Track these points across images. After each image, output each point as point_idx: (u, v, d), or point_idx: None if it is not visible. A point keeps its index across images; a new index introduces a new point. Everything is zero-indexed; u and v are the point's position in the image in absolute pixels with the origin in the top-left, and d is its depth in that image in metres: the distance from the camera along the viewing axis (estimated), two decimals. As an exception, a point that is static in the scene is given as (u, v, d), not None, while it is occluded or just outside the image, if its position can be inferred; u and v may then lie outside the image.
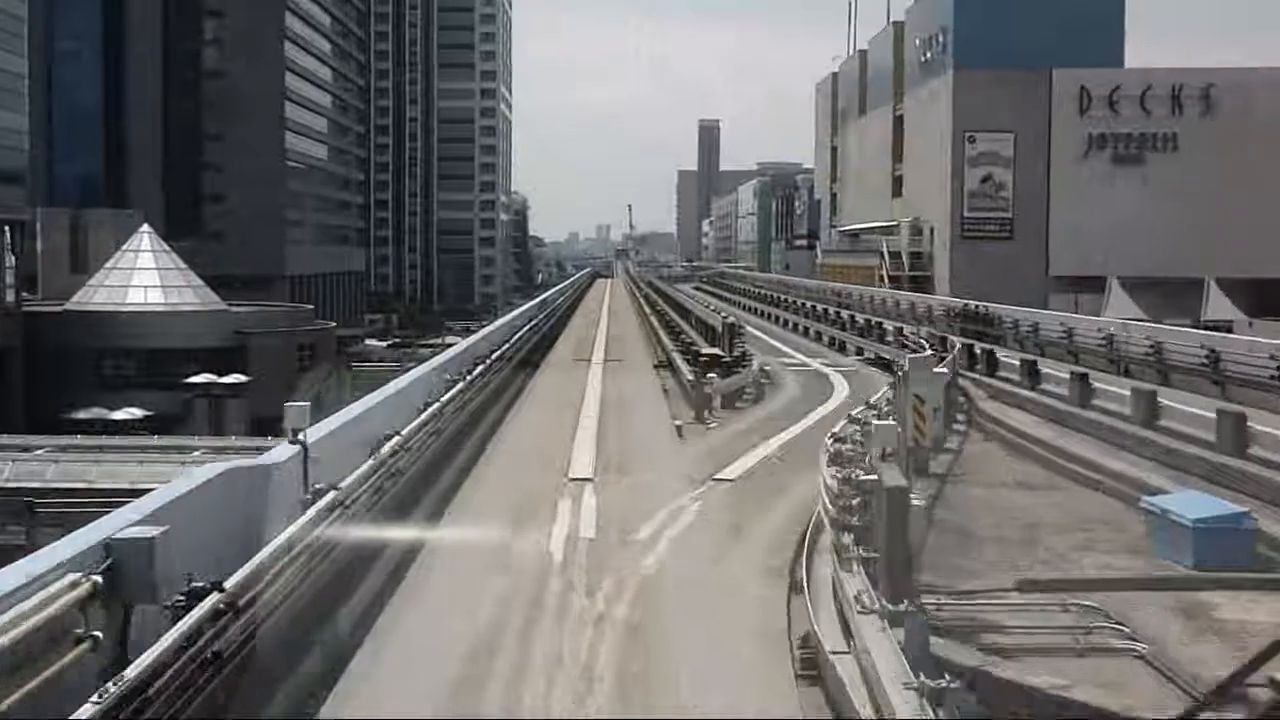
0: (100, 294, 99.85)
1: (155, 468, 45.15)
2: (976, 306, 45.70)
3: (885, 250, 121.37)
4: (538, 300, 49.05)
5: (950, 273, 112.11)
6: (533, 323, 39.47)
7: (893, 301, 56.57)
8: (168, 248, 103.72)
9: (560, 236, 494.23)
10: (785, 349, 43.77)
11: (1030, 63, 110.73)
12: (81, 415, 76.29)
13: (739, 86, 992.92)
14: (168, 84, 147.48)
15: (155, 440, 51.06)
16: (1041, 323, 39.89)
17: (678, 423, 26.47)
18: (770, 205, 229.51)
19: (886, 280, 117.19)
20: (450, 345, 50.61)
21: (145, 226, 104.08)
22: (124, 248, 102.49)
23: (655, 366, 36.49)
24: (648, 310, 54.94)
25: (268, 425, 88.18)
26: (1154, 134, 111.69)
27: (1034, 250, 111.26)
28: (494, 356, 28.49)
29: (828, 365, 38.38)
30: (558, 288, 71.37)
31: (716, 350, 33.35)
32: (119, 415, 76.10)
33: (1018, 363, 31.61)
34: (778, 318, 60.85)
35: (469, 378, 23.83)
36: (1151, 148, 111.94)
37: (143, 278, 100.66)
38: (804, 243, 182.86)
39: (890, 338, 40.00)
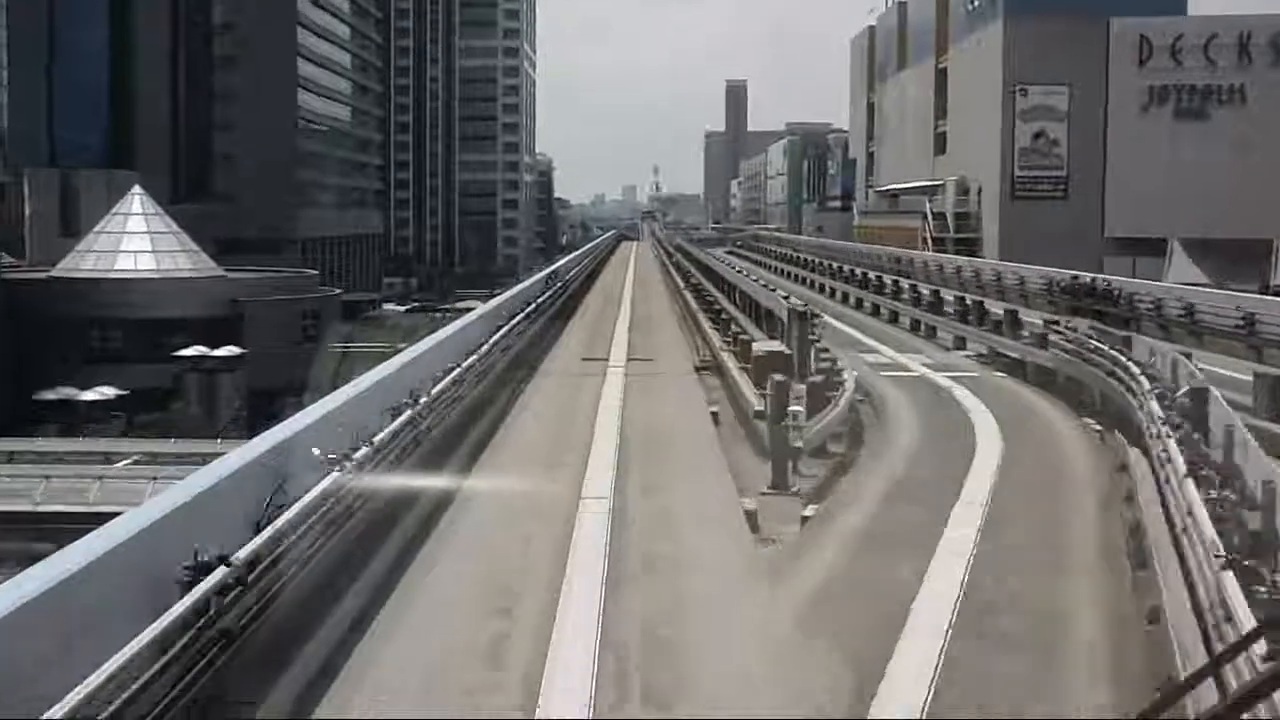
0: (87, 260, 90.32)
1: (67, 483, 35.04)
2: (1093, 280, 35.11)
3: (929, 211, 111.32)
4: (545, 272, 37.74)
5: (999, 234, 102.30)
6: (534, 304, 28.38)
7: (969, 271, 45.84)
8: (160, 210, 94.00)
9: (586, 198, 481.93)
10: (861, 337, 32.16)
11: (1087, 10, 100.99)
12: (49, 396, 66.28)
13: (766, 46, 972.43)
14: (175, 40, 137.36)
15: (81, 444, 40.76)
16: (1199, 304, 29.25)
17: (749, 505, 14.87)
18: (801, 166, 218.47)
19: (930, 243, 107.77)
20: (468, 310, 41.21)
21: (136, 188, 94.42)
22: (113, 210, 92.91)
23: (697, 370, 25.38)
24: (680, 283, 43.31)
25: (265, 400, 79.58)
26: (1219, 86, 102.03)
27: (1089, 210, 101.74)
28: (458, 369, 17.91)
29: (934, 368, 26.67)
30: (574, 255, 59.23)
31: (778, 345, 23.23)
32: (89, 396, 66.19)
33: (1249, 377, 20.47)
34: (832, 290, 49.02)
35: (394, 424, 13.01)
36: (1217, 101, 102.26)
37: (133, 242, 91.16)
38: (838, 204, 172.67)
39: (1002, 323, 29.30)
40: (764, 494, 15.19)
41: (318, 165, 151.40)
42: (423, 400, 14.05)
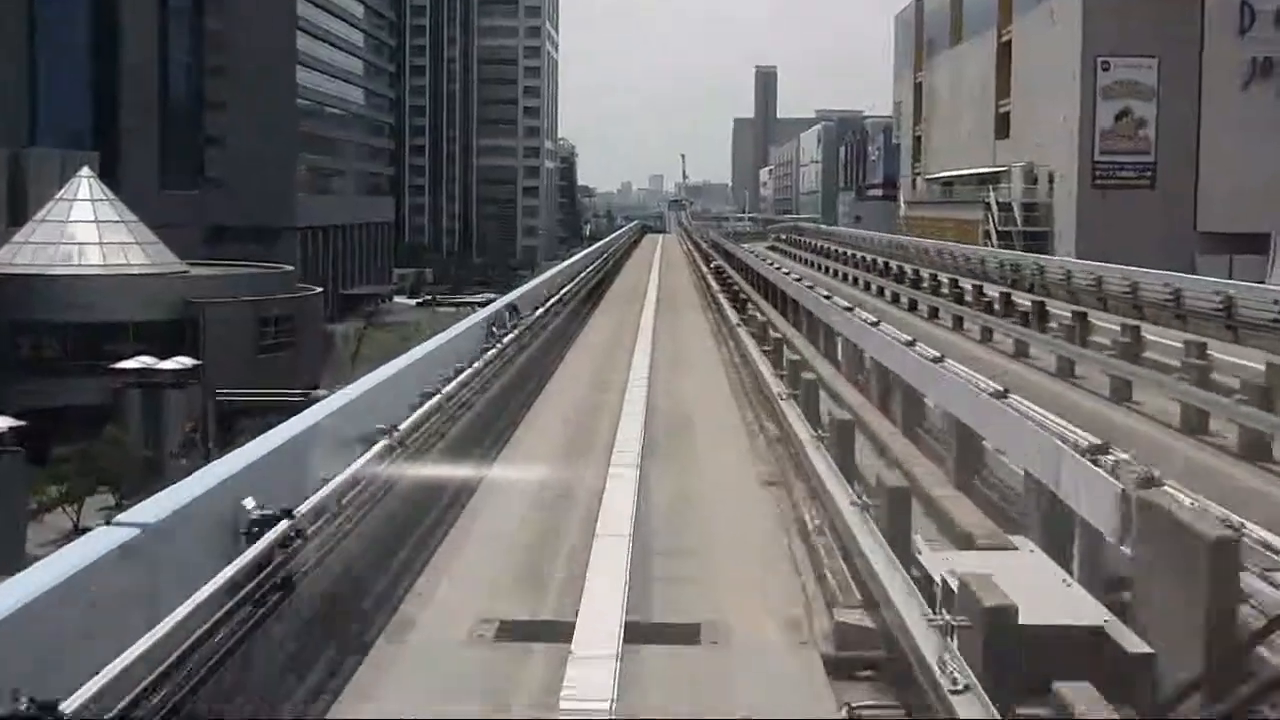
0: (24, 253, 75.23)
1: None
2: None
3: (994, 201, 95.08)
4: (513, 295, 21.38)
5: (1077, 228, 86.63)
6: (471, 373, 13.58)
7: (1163, 293, 28.51)
8: (111, 195, 79.15)
9: (613, 187, 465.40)
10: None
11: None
12: (-75, 430, 50.96)
13: (795, 31, 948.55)
14: (164, 12, 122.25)
15: None
16: None
17: None
18: (837, 153, 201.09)
19: (994, 237, 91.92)
20: (485, 303, 25.66)
21: (85, 169, 79.47)
22: (57, 195, 77.72)
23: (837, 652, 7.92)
24: (725, 306, 27.57)
25: (225, 420, 64.17)
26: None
27: (1180, 201, 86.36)
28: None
29: None
30: (567, 263, 41.19)
31: (1030, 551, 7.68)
32: (-26, 428, 50.79)
33: None
34: (956, 320, 29.56)
35: None
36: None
37: (76, 232, 75.98)
38: (879, 193, 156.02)
39: None
40: None
41: (323, 149, 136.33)
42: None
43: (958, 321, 28.79)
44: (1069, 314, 25.05)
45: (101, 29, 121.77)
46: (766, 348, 19.04)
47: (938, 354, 14.53)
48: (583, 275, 35.13)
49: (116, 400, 66.56)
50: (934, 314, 31.32)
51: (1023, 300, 27.66)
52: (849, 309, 21.99)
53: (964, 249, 54.68)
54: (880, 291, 39.56)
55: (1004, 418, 11.07)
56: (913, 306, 33.45)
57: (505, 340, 16.80)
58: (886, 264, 48.83)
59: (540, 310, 22.08)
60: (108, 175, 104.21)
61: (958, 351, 19.02)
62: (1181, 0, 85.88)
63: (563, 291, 26.75)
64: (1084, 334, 22.99)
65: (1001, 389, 11.63)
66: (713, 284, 36.15)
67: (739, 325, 23.45)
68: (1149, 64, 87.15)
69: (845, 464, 11.00)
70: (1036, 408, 10.94)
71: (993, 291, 31.16)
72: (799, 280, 30.74)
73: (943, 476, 13.23)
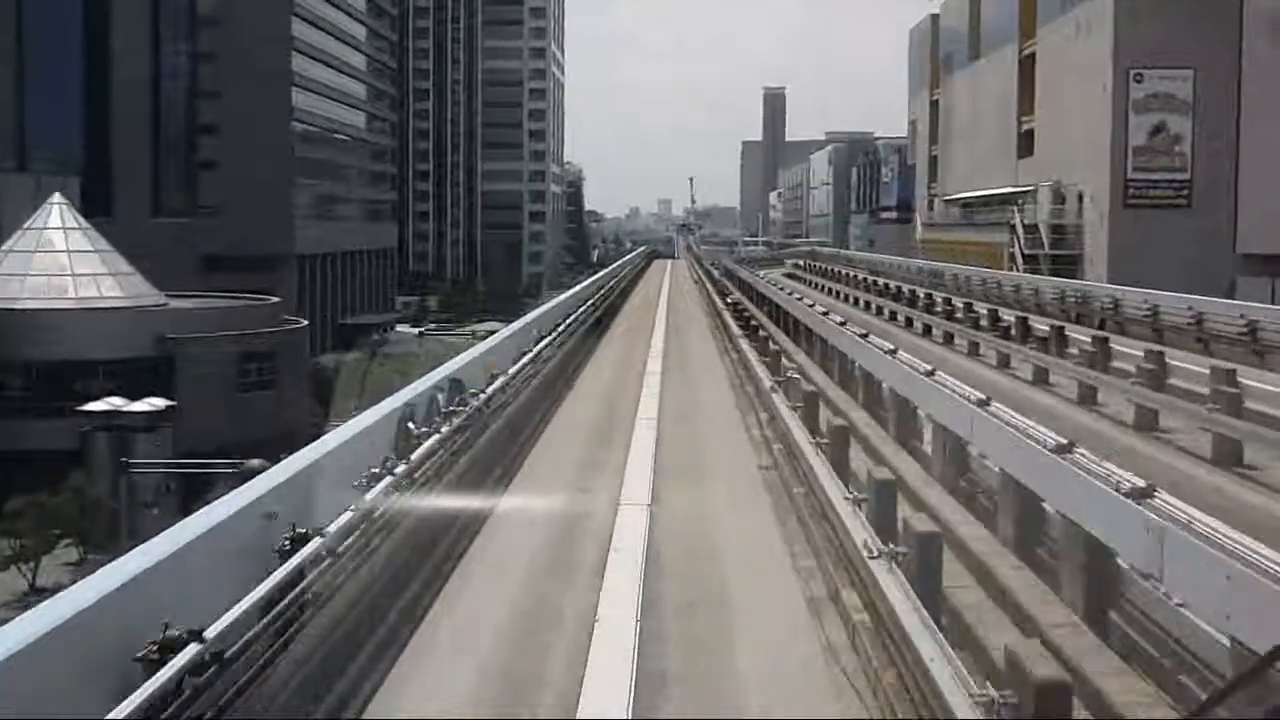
0: (-11, 285, 69.28)
1: None
2: None
3: (1019, 222, 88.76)
4: (456, 364, 15.99)
5: (1109, 251, 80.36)
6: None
7: None
8: (84, 223, 73.45)
9: (621, 212, 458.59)
10: None
11: (1216, -23, 78.80)
12: None
13: (804, 53, 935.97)
14: (156, 35, 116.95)
15: None
16: None
17: None
18: (848, 174, 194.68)
19: (1020, 260, 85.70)
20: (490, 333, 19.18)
21: (57, 196, 73.82)
22: (26, 224, 71.87)
23: None
24: (760, 375, 19.71)
25: (199, 469, 58.01)
26: (1379, 68, 79.01)
27: (1218, 221, 79.93)
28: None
29: None
30: (563, 298, 34.27)
31: None
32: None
33: None
34: (1039, 370, 22.87)
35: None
36: (1376, 86, 79.33)
37: (45, 263, 70.12)
38: (893, 215, 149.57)
39: None
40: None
41: (323, 173, 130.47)
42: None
43: (1040, 374, 22.41)
44: (1201, 368, 18.68)
45: (93, 52, 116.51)
46: (823, 439, 12.72)
47: (1142, 484, 8.17)
48: (571, 320, 28.23)
49: (84, 444, 60.76)
50: (1004, 362, 24.94)
51: (1128, 349, 21.22)
52: (931, 371, 15.50)
53: (1012, 277, 48.35)
54: (927, 330, 33.06)
55: None
56: (973, 350, 27.10)
57: (414, 456, 10.24)
58: (929, 296, 42.13)
59: (499, 382, 15.56)
60: (99, 202, 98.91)
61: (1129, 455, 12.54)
62: (1219, 8, 79.69)
63: (539, 348, 20.22)
64: (1240, 400, 16.66)
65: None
66: (732, 326, 29.29)
67: (773, 390, 17.16)
68: (1184, 75, 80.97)
69: None
70: None
71: (1080, 334, 24.81)
72: (842, 324, 24.01)
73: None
